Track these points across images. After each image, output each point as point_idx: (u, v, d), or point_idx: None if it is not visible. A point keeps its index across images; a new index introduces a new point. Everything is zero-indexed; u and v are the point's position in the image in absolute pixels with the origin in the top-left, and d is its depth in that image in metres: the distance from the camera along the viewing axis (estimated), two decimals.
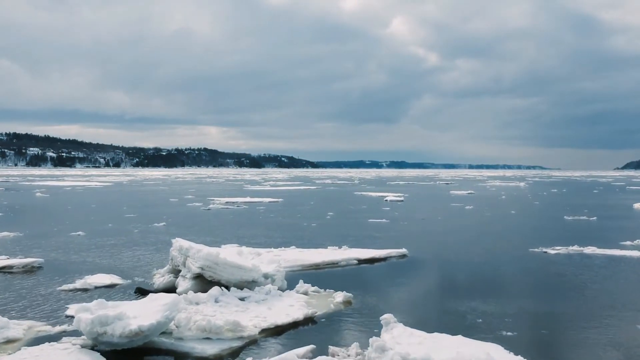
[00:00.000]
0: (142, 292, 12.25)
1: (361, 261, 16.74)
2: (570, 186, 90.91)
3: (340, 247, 18.29)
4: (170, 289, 12.05)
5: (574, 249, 19.13)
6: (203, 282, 11.45)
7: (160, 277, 12.64)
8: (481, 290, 13.35)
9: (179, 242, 12.39)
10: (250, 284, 11.48)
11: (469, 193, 62.40)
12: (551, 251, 18.82)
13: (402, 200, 47.55)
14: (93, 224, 26.78)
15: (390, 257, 17.59)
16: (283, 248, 18.19)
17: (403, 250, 18.14)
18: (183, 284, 11.62)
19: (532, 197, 57.12)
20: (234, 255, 12.15)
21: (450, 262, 17.10)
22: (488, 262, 16.96)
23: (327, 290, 12.43)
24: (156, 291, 12.13)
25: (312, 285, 12.43)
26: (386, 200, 47.98)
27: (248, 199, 47.12)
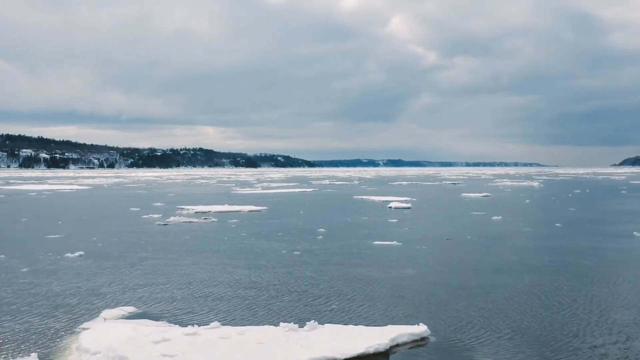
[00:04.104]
0: None
1: None
2: (589, 186, 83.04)
3: (302, 326, 9.81)
4: None
5: None
6: None
7: None
8: None
9: None
10: None
11: (484, 196, 54.49)
12: None
13: (409, 207, 39.74)
14: None
15: (397, 346, 9.20)
16: (195, 326, 9.89)
17: (421, 329, 9.73)
18: None
19: (559, 200, 49.19)
20: None
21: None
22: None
23: None
24: None
25: None
26: (390, 207, 40.19)
27: (225, 207, 39.28)
